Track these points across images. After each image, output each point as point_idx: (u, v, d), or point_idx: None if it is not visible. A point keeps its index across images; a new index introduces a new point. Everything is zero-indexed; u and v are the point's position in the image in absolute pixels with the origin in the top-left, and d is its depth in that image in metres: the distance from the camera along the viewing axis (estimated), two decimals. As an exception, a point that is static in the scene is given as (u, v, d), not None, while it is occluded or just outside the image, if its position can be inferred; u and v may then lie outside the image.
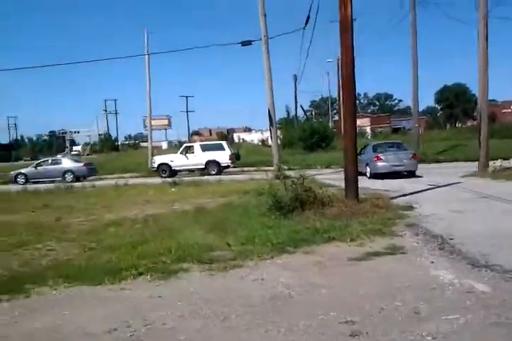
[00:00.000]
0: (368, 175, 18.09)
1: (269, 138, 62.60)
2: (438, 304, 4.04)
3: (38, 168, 27.61)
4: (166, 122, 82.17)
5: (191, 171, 26.75)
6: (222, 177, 20.92)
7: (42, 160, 30.87)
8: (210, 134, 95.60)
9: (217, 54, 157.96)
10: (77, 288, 5.31)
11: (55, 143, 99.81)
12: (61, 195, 16.35)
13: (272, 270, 5.50)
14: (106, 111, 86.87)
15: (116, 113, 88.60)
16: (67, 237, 8.46)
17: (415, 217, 8.29)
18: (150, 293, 4.96)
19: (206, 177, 21.76)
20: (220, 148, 26.74)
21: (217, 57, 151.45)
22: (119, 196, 14.93)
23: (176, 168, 26.70)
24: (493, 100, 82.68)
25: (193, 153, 26.76)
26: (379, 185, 14.46)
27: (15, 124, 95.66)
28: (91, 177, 26.93)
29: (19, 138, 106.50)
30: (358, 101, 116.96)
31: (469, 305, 3.97)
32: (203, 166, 26.28)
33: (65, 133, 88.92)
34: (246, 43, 22.11)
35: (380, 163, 17.86)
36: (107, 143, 79.85)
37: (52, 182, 22.88)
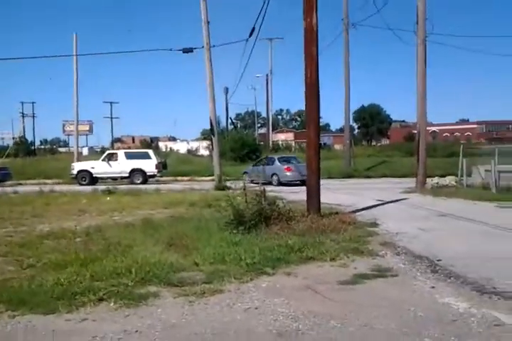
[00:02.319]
0: (275, 183, 21.91)
1: (199, 148, 61.45)
2: (474, 341, 3.58)
3: None
4: (87, 127, 78.30)
5: (114, 179, 25.52)
6: (159, 186, 19.87)
7: None
8: (133, 142, 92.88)
9: (145, 61, 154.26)
10: (26, 318, 4.33)
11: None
12: (-22, 202, 14.58)
13: (260, 296, 4.82)
14: (23, 114, 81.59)
15: (33, 116, 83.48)
16: (-4, 251, 7.24)
17: (385, 235, 7.96)
18: (122, 325, 4.10)
19: (145, 186, 20.54)
20: (146, 156, 25.83)
21: (144, 65, 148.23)
22: (48, 204, 13.49)
23: (98, 176, 25.52)
24: (403, 121, 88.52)
25: (116, 160, 25.63)
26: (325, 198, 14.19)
27: None
28: (9, 183, 24.67)
29: None
30: (280, 117, 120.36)
31: (510, 342, 3.54)
32: (127, 174, 25.23)
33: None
34: (187, 50, 21.40)
35: (289, 173, 22.12)
36: (22, 147, 74.83)
37: None
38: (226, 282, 5.30)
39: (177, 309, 4.51)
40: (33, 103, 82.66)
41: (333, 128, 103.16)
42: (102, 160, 25.97)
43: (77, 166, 26.12)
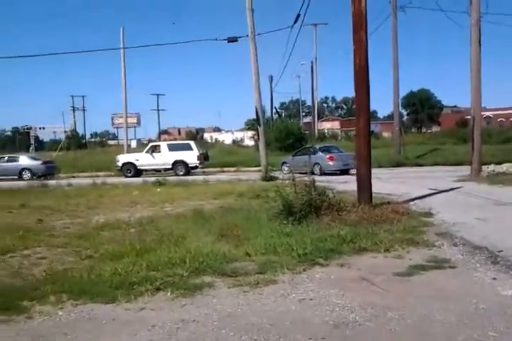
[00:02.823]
0: (317, 172, 21.37)
1: (244, 138, 61.47)
2: (543, 335, 3.42)
3: None
4: (135, 120, 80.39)
5: (157, 171, 25.92)
6: (207, 177, 20.10)
7: None
8: (179, 133, 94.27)
9: (189, 52, 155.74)
10: (87, 307, 4.48)
11: (19, 139, 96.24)
12: (36, 194, 15.17)
13: (314, 287, 4.79)
14: (73, 107, 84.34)
15: (84, 110, 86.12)
16: (56, 242, 7.51)
17: (441, 225, 7.72)
18: (179, 315, 4.18)
19: (193, 177, 20.86)
20: (188, 148, 26.10)
21: (189, 56, 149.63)
22: (101, 196, 13.90)
23: (142, 168, 25.99)
24: (454, 106, 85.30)
25: (159, 152, 26.03)
26: (375, 188, 13.93)
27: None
28: (63, 175, 25.61)
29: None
30: (325, 105, 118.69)
31: None
32: (170, 166, 25.58)
33: (30, 129, 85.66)
34: (232, 40, 21.41)
35: (332, 163, 22.65)
36: (74, 141, 77.41)
37: (13, 179, 21.87)
38: (279, 273, 5.29)
39: (232, 299, 4.55)
40: (83, 97, 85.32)
41: (380, 115, 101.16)
42: (146, 152, 26.46)
43: (121, 158, 26.70)
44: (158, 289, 4.87)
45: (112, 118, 78.85)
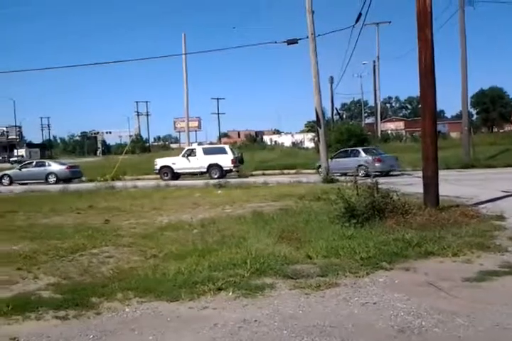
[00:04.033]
0: (362, 174, 19.95)
1: (303, 140, 61.23)
2: None
3: (23, 169, 28.09)
4: (196, 124, 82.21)
5: (193, 174, 26.32)
6: (267, 179, 20.15)
7: (27, 162, 31.42)
8: (239, 136, 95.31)
9: (248, 56, 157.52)
10: (152, 305, 4.60)
11: (87, 144, 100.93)
12: (103, 196, 15.80)
13: (378, 291, 4.67)
14: (138, 113, 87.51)
15: (147, 115, 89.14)
16: (122, 242, 7.77)
17: (515, 229, 7.32)
18: (241, 315, 4.20)
19: (253, 179, 21.03)
20: (223, 151, 26.47)
21: (248, 60, 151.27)
22: (164, 198, 14.27)
23: (178, 171, 26.42)
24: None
25: (195, 156, 26.35)
26: (443, 190, 13.40)
27: (48, 125, 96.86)
28: (129, 177, 26.51)
29: (52, 138, 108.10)
30: (388, 105, 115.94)
31: None
32: (205, 170, 25.89)
33: (97, 133, 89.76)
34: (292, 42, 21.37)
35: (379, 164, 22.18)
36: (138, 144, 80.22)
37: (41, 183, 24.31)
38: (341, 276, 5.21)
39: (293, 301, 4.51)
40: (146, 102, 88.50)
41: (448, 115, 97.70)
42: (182, 156, 26.83)
43: (159, 162, 27.14)
44: (220, 289, 4.92)
45: (174, 123, 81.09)
